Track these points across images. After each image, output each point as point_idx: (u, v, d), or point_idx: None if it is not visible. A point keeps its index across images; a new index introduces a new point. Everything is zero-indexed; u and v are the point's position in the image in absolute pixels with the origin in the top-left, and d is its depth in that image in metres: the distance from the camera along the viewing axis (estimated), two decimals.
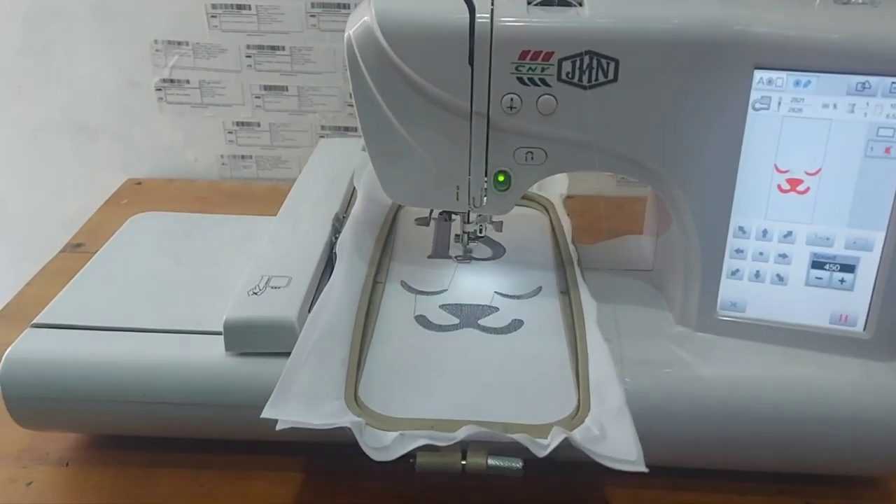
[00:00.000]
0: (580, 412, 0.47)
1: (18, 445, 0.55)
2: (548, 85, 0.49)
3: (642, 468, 0.42)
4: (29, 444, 0.55)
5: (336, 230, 0.63)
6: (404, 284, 0.60)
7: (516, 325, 0.56)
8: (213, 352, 0.50)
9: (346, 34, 0.50)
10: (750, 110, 0.49)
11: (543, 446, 0.44)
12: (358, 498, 0.51)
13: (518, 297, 0.59)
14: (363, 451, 0.44)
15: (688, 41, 0.47)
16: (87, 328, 0.53)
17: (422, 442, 0.44)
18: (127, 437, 0.54)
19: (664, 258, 0.59)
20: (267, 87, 0.91)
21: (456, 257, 0.62)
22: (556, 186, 0.73)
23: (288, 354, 0.49)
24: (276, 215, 0.65)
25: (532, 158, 0.52)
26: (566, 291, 0.59)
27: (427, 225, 0.59)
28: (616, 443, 0.44)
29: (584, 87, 0.49)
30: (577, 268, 0.61)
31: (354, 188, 0.70)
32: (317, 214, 0.64)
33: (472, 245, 0.61)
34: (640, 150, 0.51)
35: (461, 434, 0.45)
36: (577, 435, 0.45)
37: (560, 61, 0.48)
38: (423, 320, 0.56)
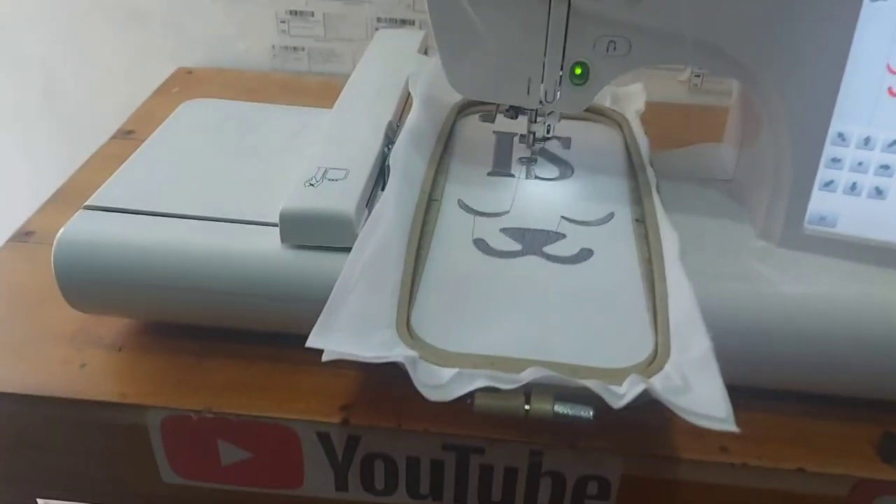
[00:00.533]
0: (658, 358, 0.43)
1: (73, 326, 0.54)
2: None
3: (732, 427, 0.38)
4: (83, 325, 0.54)
5: (389, 139, 0.59)
6: (462, 204, 0.55)
7: (585, 254, 0.51)
8: (268, 243, 0.48)
9: None
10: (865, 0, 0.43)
11: (619, 395, 0.39)
12: (414, 394, 0.50)
13: (587, 224, 0.54)
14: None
15: None
16: (141, 213, 0.51)
17: (482, 383, 0.40)
18: (180, 325, 0.53)
19: (748, 168, 0.55)
20: None
21: (520, 158, 0.58)
22: (631, 101, 0.67)
23: (344, 250, 0.47)
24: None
25: (614, 49, 0.47)
26: (642, 220, 0.54)
27: (492, 121, 0.56)
28: (701, 396, 0.39)
29: None
30: (656, 193, 0.55)
31: (410, 94, 0.66)
32: (371, 115, 0.60)
33: (538, 146, 0.58)
34: (736, 43, 0.46)
35: (526, 377, 0.40)
36: (657, 383, 0.40)
37: None
38: (482, 245, 0.51)
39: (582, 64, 0.48)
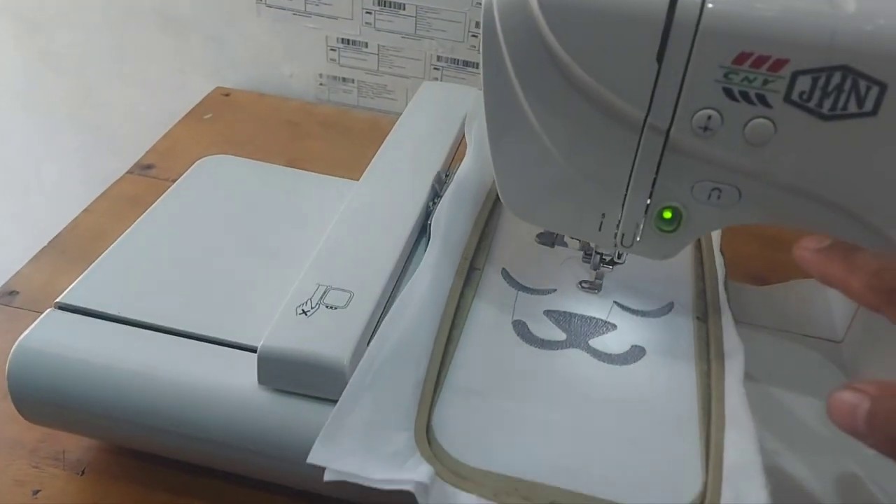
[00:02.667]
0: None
1: (35, 434, 0.46)
2: (768, 105, 0.33)
3: None
4: (46, 434, 0.46)
5: (436, 192, 0.51)
6: (506, 274, 0.49)
7: (636, 354, 0.44)
8: (245, 378, 0.40)
9: None
10: None
11: None
12: None
13: (642, 314, 0.47)
14: None
15: None
16: (114, 319, 0.43)
17: None
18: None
19: (866, 331, 0.44)
20: (381, 2, 0.77)
21: (580, 283, 0.48)
22: None
23: (335, 402, 0.38)
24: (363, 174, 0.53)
25: (719, 198, 0.37)
26: (704, 319, 0.46)
27: (551, 246, 0.46)
28: None
29: (823, 117, 0.33)
30: (723, 288, 0.47)
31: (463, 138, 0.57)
32: (407, 185, 0.51)
33: (604, 271, 0.47)
34: (886, 214, 0.35)
35: None
36: None
37: (795, 75, 0.32)
38: (521, 328, 0.45)
39: (673, 209, 0.38)
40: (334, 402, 0.38)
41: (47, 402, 0.42)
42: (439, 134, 0.58)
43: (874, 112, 0.32)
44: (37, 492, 0.44)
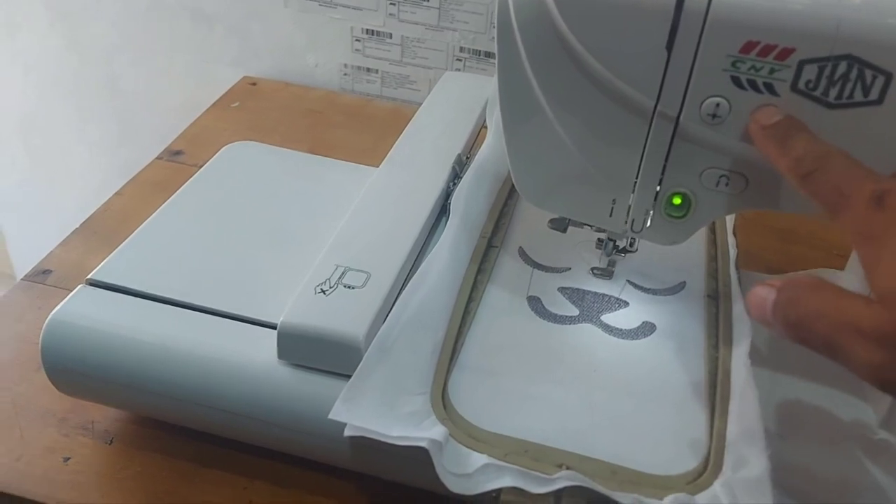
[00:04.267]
0: (709, 471, 0.38)
1: (66, 403, 0.48)
2: (775, 93, 0.34)
3: None
4: (77, 404, 0.48)
5: (456, 174, 0.53)
6: (522, 253, 0.51)
7: (646, 329, 0.46)
8: (266, 353, 0.41)
9: None
10: None
11: None
12: None
13: (654, 292, 0.48)
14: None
15: None
16: (142, 295, 0.45)
17: (510, 482, 0.37)
18: None
19: None
20: None
21: (592, 269, 0.49)
22: None
23: (350, 377, 0.40)
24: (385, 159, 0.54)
25: (727, 185, 0.38)
26: (714, 296, 0.48)
27: (563, 231, 0.47)
28: None
29: (829, 105, 0.34)
30: (734, 267, 0.49)
31: (484, 125, 0.58)
32: (427, 169, 0.53)
33: (617, 258, 0.48)
34: None
35: (559, 483, 0.36)
36: (701, 503, 0.36)
37: (801, 63, 0.33)
38: (535, 304, 0.47)
39: (682, 195, 0.39)
40: (350, 377, 0.40)
41: (78, 373, 0.44)
42: (459, 121, 0.59)
43: (880, 101, 0.33)
44: (67, 459, 0.46)
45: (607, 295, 0.48)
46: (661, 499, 0.36)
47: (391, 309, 0.42)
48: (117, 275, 0.46)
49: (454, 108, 0.61)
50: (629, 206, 0.40)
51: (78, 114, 0.99)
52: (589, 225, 0.44)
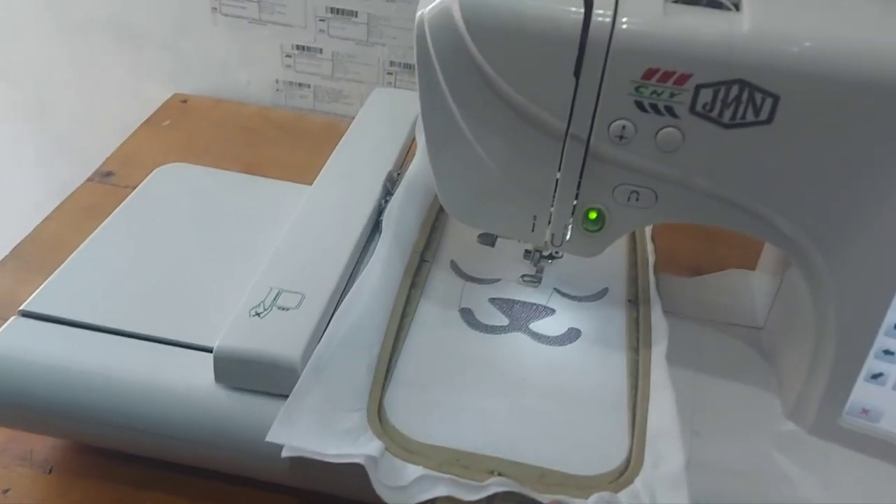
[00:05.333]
0: (630, 469, 0.40)
1: (2, 437, 0.48)
2: (675, 115, 0.37)
3: None
4: (14, 436, 0.48)
5: (388, 191, 0.54)
6: (454, 266, 0.52)
7: (572, 335, 0.48)
8: (202, 377, 0.42)
9: (417, 13, 0.38)
10: None
11: None
12: None
13: (579, 299, 0.51)
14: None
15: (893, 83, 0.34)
16: (77, 325, 0.45)
17: (444, 491, 0.38)
18: None
19: (783, 319, 0.48)
20: (333, 10, 0.79)
21: (522, 277, 0.51)
22: None
23: (286, 397, 0.41)
24: (316, 178, 0.55)
25: (637, 200, 0.40)
26: (635, 300, 0.50)
27: (492, 245, 0.49)
28: None
29: (724, 126, 0.36)
30: (652, 273, 0.51)
31: (414, 140, 0.60)
32: (359, 187, 0.54)
33: (543, 265, 0.50)
34: (783, 213, 0.38)
35: (490, 489, 0.38)
36: (623, 500, 0.38)
37: (698, 88, 0.36)
38: (467, 315, 0.49)
39: (597, 210, 0.41)
40: (287, 397, 0.41)
41: (15, 404, 0.44)
42: (390, 137, 0.60)
43: (769, 120, 0.36)
44: (6, 490, 0.46)
45: (535, 304, 0.50)
46: (587, 498, 0.38)
47: (325, 330, 0.44)
48: (51, 305, 0.46)
49: (384, 124, 0.62)
50: (549, 222, 0.42)
51: (8, 136, 0.97)
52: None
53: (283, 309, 0.43)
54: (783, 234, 0.39)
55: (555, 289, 0.51)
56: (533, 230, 0.43)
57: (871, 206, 0.37)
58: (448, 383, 0.44)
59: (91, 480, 0.47)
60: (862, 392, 0.41)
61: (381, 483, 0.38)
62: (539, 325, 0.49)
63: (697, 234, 0.69)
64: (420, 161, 0.57)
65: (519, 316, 0.49)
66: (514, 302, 0.50)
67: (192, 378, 0.42)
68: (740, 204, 0.39)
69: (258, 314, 0.43)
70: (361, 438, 0.40)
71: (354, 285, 0.46)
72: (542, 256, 0.49)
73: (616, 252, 0.54)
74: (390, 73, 0.82)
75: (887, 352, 0.40)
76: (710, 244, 0.68)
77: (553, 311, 0.50)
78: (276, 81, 0.85)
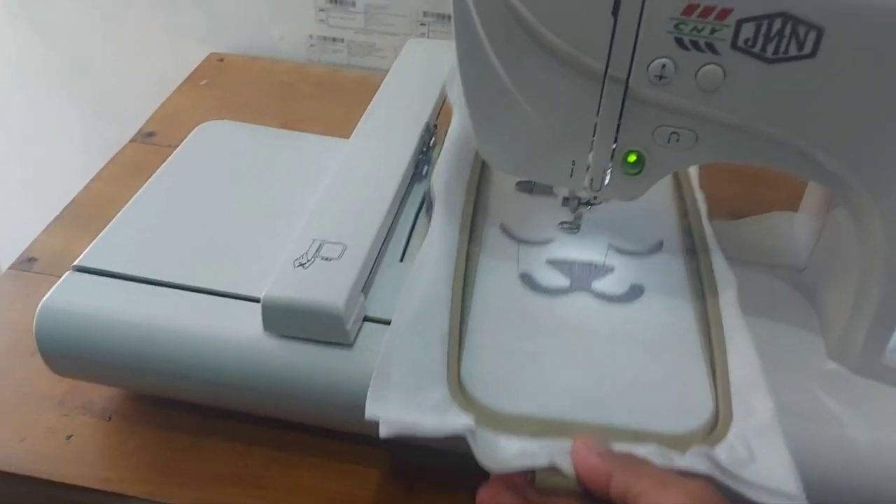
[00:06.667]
0: (721, 422, 0.39)
1: (63, 385, 0.50)
2: (716, 52, 0.36)
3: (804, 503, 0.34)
4: (73, 385, 0.50)
5: (424, 142, 0.54)
6: (504, 229, 0.51)
7: (636, 292, 0.47)
8: (252, 327, 0.43)
9: None
10: None
11: (672, 463, 0.36)
12: (421, 498, 0.45)
13: (636, 255, 0.50)
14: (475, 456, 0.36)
15: None
16: (129, 278, 0.46)
17: (545, 462, 0.36)
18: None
19: (826, 259, 0.47)
20: None
21: (561, 224, 0.51)
22: None
23: (332, 343, 0.42)
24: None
25: (678, 141, 0.40)
26: (693, 250, 0.49)
27: (530, 192, 0.49)
28: (767, 468, 0.36)
29: (767, 61, 0.36)
30: (707, 222, 0.50)
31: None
32: (395, 138, 0.55)
33: (582, 211, 0.50)
34: (827, 149, 0.38)
35: None
36: (722, 455, 0.37)
37: (739, 23, 0.35)
38: (528, 280, 0.48)
39: (637, 153, 0.41)
40: (332, 343, 0.42)
41: (73, 355, 0.46)
42: (425, 88, 0.60)
43: (813, 54, 0.35)
44: (69, 437, 0.48)
45: (593, 262, 0.49)
46: (683, 454, 0.37)
47: (367, 280, 0.44)
48: (102, 260, 0.47)
49: (419, 75, 0.62)
50: (588, 166, 0.42)
51: (50, 100, 0.99)
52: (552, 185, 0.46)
53: (326, 259, 0.44)
54: (828, 172, 0.39)
55: (610, 245, 0.50)
56: (572, 175, 0.43)
57: None
58: (521, 350, 0.43)
59: (149, 428, 0.48)
60: None
61: (482, 453, 0.36)
62: (601, 284, 0.48)
63: (739, 177, 0.68)
64: (456, 122, 0.56)
65: (580, 276, 0.48)
66: (572, 262, 0.49)
67: (241, 327, 0.44)
68: (784, 142, 0.38)
69: (302, 265, 0.44)
70: (449, 413, 0.39)
71: (417, 259, 0.46)
72: (580, 203, 0.49)
73: (664, 202, 0.53)
74: (423, 24, 0.81)
75: None
76: (752, 187, 0.67)
77: (612, 268, 0.49)
78: (310, 37, 0.85)
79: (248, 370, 0.43)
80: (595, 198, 0.48)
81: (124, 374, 0.46)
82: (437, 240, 0.47)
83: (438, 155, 0.55)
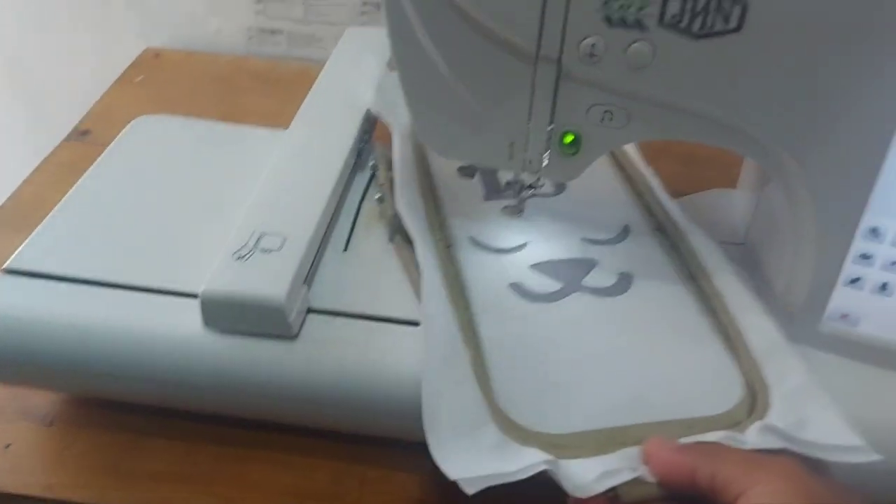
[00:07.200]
0: (760, 393, 0.39)
1: (2, 393, 0.49)
2: (644, 28, 0.36)
3: (874, 455, 0.35)
4: (12, 393, 0.49)
5: (365, 130, 0.54)
6: (476, 242, 0.49)
7: (626, 281, 0.47)
8: (192, 323, 0.43)
9: None
10: None
11: (744, 444, 0.36)
12: (374, 487, 0.45)
13: (609, 242, 0.49)
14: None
15: None
16: (62, 279, 0.45)
17: (629, 476, 0.35)
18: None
19: (763, 234, 0.48)
20: None
21: (504, 208, 0.51)
22: None
23: (275, 336, 0.42)
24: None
25: (611, 119, 0.40)
26: (662, 229, 0.50)
27: (471, 177, 0.49)
28: (823, 426, 0.36)
29: (694, 36, 0.36)
30: (667, 195, 0.51)
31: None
32: (335, 127, 0.54)
33: (526, 194, 0.50)
34: (756, 122, 0.38)
35: None
36: (779, 422, 0.36)
37: None
38: (520, 290, 0.46)
39: (573, 133, 0.41)
40: (275, 336, 0.42)
41: (9, 361, 0.44)
42: (364, 77, 0.60)
43: (739, 28, 0.35)
44: (8, 445, 0.46)
45: (575, 258, 0.48)
46: (743, 433, 0.37)
47: (309, 272, 0.44)
48: (34, 261, 0.46)
49: (359, 63, 0.62)
50: (526, 148, 0.42)
51: None
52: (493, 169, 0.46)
53: (266, 251, 0.44)
54: (758, 145, 0.39)
55: (582, 238, 0.49)
56: (511, 157, 0.43)
57: (841, 112, 0.37)
58: (544, 366, 0.42)
59: (92, 431, 0.47)
60: (841, 297, 0.42)
61: (570, 482, 0.35)
62: (591, 279, 0.47)
63: (678, 157, 0.69)
64: (397, 143, 0.54)
65: (568, 276, 0.47)
66: (555, 263, 0.48)
67: (181, 324, 0.43)
68: (714, 117, 0.39)
69: (242, 258, 0.43)
70: (509, 449, 0.37)
71: (422, 289, 0.43)
72: (523, 187, 0.49)
73: (612, 186, 0.53)
74: (364, 14, 0.81)
75: (864, 256, 0.40)
76: (690, 167, 0.68)
77: (594, 261, 0.48)
78: (248, 29, 0.84)
79: (190, 368, 0.43)
80: (538, 180, 0.48)
81: (63, 378, 0.45)
82: (428, 273, 0.44)
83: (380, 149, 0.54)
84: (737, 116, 0.38)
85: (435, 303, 0.43)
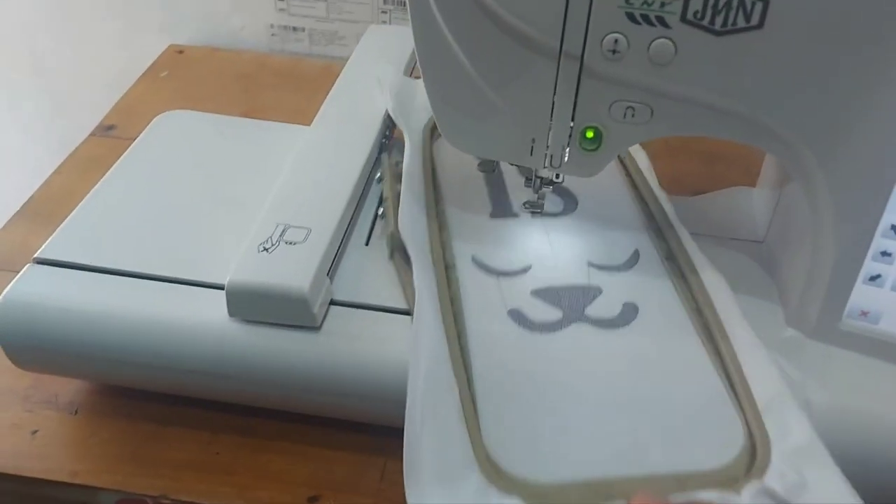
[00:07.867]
0: (759, 448, 0.37)
1: (27, 380, 0.50)
2: (667, 26, 0.37)
3: None
4: (37, 381, 0.50)
5: (388, 126, 0.54)
6: (478, 262, 0.48)
7: (630, 312, 0.45)
8: (218, 313, 0.43)
9: None
10: None
11: None
12: (394, 479, 0.45)
13: (617, 269, 0.47)
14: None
15: None
16: (90, 269, 0.46)
17: None
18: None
19: (783, 232, 0.48)
20: None
21: (525, 204, 0.52)
22: None
23: (299, 328, 0.42)
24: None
25: (633, 116, 0.40)
26: (672, 258, 0.48)
27: (491, 171, 0.49)
28: (823, 489, 0.35)
29: (716, 33, 0.36)
30: (679, 223, 0.49)
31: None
32: (357, 124, 0.54)
33: (545, 191, 0.51)
34: (777, 118, 0.39)
35: None
36: (777, 486, 0.35)
37: None
38: (518, 317, 0.44)
39: (594, 129, 0.41)
40: (299, 327, 0.42)
41: (36, 349, 0.45)
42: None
43: (760, 25, 0.36)
44: (34, 432, 0.47)
45: (580, 286, 0.46)
46: (738, 492, 0.35)
47: (332, 264, 0.44)
48: (63, 251, 0.47)
49: (380, 61, 0.62)
50: (547, 144, 0.42)
51: (6, 95, 0.97)
52: (514, 165, 0.46)
53: (291, 243, 0.44)
54: (779, 141, 0.39)
55: (589, 262, 0.48)
56: (531, 153, 0.43)
57: (862, 109, 0.37)
58: (536, 408, 0.40)
59: (117, 419, 0.48)
60: (861, 294, 0.42)
61: None
62: (594, 309, 0.45)
63: (699, 155, 0.69)
64: (409, 148, 0.53)
65: (571, 304, 0.45)
66: (558, 290, 0.46)
67: (206, 314, 0.44)
68: (736, 113, 0.39)
69: (266, 249, 0.44)
70: (494, 498, 0.36)
71: (413, 318, 0.42)
72: (543, 182, 0.49)
73: (627, 207, 0.52)
74: (385, 12, 0.81)
75: (885, 253, 0.40)
76: (710, 165, 0.68)
77: (599, 289, 0.46)
78: (271, 26, 0.84)
79: (214, 357, 0.43)
80: (557, 176, 0.48)
81: (89, 366, 0.46)
82: (424, 294, 0.43)
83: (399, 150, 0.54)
84: (759, 113, 0.39)
85: (426, 332, 0.41)
